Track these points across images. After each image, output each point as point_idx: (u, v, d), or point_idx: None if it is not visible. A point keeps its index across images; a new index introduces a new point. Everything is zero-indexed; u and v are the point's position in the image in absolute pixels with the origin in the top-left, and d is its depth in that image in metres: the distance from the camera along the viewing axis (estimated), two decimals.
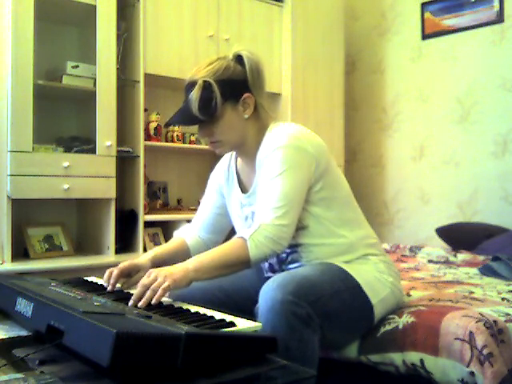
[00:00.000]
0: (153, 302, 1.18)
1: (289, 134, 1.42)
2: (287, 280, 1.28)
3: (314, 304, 1.28)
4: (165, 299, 1.25)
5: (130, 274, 1.43)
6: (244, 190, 1.56)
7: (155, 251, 1.55)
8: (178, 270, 1.28)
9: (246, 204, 1.54)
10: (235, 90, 1.43)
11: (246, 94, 1.44)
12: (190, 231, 1.68)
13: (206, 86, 1.40)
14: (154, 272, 1.26)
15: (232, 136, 1.47)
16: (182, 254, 1.58)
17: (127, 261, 1.44)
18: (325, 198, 1.46)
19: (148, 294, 1.19)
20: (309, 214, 1.44)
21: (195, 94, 1.40)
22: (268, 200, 1.37)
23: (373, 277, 1.46)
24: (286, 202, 1.35)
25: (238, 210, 1.57)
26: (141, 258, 1.50)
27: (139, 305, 1.16)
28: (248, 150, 1.52)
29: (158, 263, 1.47)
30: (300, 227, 1.44)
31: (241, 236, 1.35)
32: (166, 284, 1.21)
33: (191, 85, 1.42)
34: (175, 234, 1.72)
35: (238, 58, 1.46)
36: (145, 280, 1.23)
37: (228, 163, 1.64)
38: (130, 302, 1.18)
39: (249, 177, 1.55)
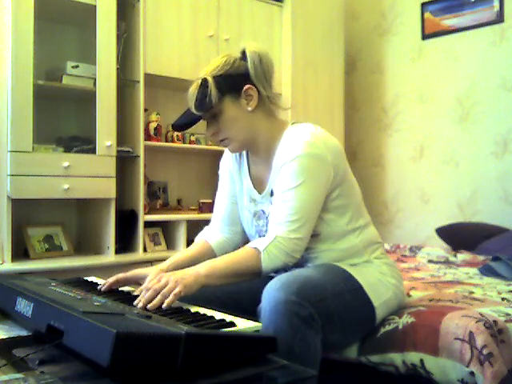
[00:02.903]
0: (164, 306, 1.16)
1: (307, 141, 1.39)
2: (290, 280, 1.28)
3: (317, 305, 1.27)
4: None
5: (139, 283, 1.39)
6: (256, 184, 1.54)
7: (173, 259, 1.49)
8: (189, 274, 1.27)
9: (256, 200, 1.53)
10: (234, 83, 1.42)
11: (246, 86, 1.43)
12: (210, 231, 1.64)
13: (203, 82, 1.40)
14: (164, 277, 1.24)
15: (238, 131, 1.45)
16: (207, 256, 1.54)
17: (135, 270, 1.41)
18: (339, 206, 1.45)
19: (158, 298, 1.18)
20: (322, 222, 1.44)
21: (191, 92, 1.41)
22: (284, 212, 1.36)
23: (376, 279, 1.45)
24: (302, 214, 1.35)
25: (247, 202, 1.56)
26: (158, 266, 1.45)
27: (148, 307, 1.15)
28: (260, 148, 1.50)
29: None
30: (312, 234, 1.43)
31: (255, 246, 1.35)
32: (177, 290, 1.20)
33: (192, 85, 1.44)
34: (197, 239, 1.65)
35: (243, 53, 1.46)
36: (155, 285, 1.22)
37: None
38: (140, 305, 1.16)
39: (262, 174, 1.53)
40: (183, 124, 1.49)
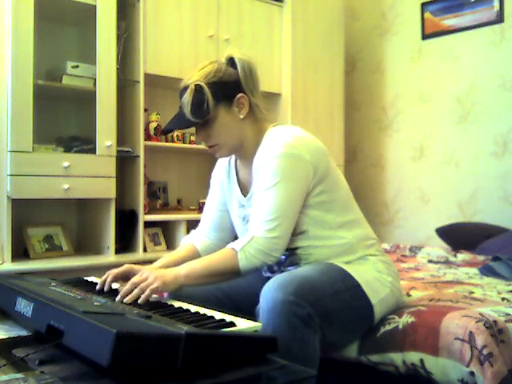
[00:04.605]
0: (139, 301, 1.20)
1: (284, 142, 1.41)
2: (288, 280, 1.28)
3: (315, 304, 1.28)
4: (154, 296, 1.27)
5: (129, 277, 1.42)
6: (243, 189, 1.57)
7: (164, 260, 1.53)
8: (169, 273, 1.31)
9: (245, 205, 1.54)
10: (228, 91, 1.44)
11: (239, 95, 1.45)
12: (197, 235, 1.67)
13: (198, 89, 1.41)
14: (145, 272, 1.28)
15: (228, 138, 1.47)
16: (194, 259, 1.56)
17: (128, 265, 1.42)
18: (324, 202, 1.46)
19: (135, 291, 1.21)
20: (308, 219, 1.45)
21: (187, 98, 1.41)
22: (261, 212, 1.38)
23: (372, 277, 1.46)
24: (279, 214, 1.36)
25: (236, 208, 1.58)
26: (148, 267, 1.47)
27: (125, 300, 1.19)
28: (246, 153, 1.52)
29: None
30: (299, 232, 1.44)
31: (233, 247, 1.37)
32: (154, 285, 1.23)
33: (184, 90, 1.43)
34: (182, 241, 1.70)
35: (230, 61, 1.47)
36: (135, 278, 1.26)
37: (229, 159, 1.64)
38: (117, 298, 1.20)
39: (247, 178, 1.55)
40: (174, 129, 1.50)
